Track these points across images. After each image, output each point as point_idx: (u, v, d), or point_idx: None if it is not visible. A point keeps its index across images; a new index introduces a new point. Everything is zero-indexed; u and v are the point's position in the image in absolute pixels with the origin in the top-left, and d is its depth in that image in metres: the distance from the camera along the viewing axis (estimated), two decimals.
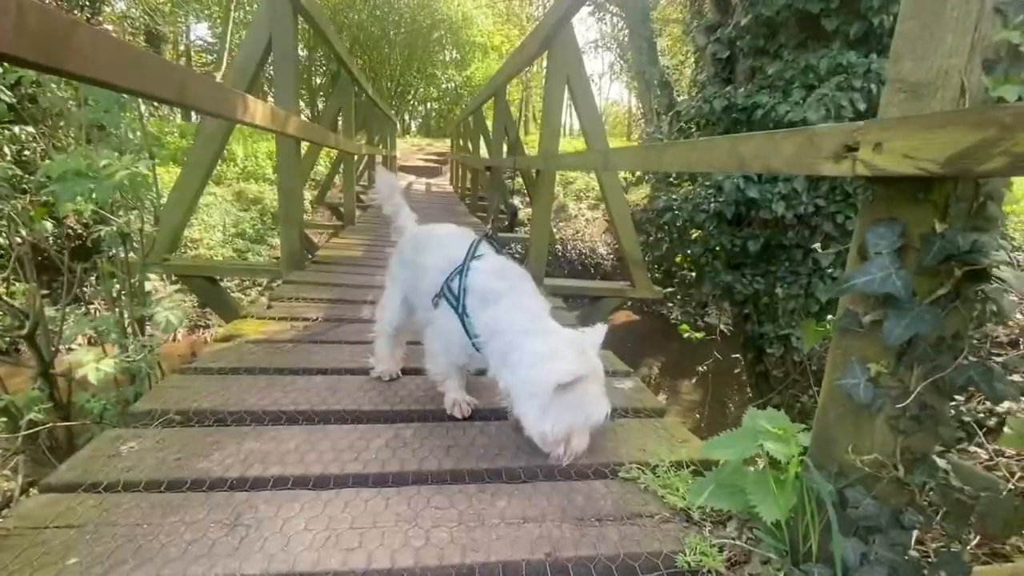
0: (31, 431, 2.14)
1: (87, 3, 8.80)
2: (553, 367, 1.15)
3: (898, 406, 0.82)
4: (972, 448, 2.30)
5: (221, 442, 1.32)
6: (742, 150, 1.05)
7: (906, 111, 0.79)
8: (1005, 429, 1.03)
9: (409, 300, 1.67)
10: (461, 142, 11.08)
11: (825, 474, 0.92)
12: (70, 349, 2.46)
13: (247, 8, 18.21)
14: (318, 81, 20.93)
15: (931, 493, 0.86)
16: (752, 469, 1.13)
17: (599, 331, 1.35)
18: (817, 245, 3.07)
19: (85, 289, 6.19)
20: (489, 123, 7.10)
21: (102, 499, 1.09)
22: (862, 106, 3.38)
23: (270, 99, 3.32)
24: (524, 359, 1.22)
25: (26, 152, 6.17)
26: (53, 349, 2.65)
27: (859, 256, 0.85)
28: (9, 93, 3.21)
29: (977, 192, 0.76)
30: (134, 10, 13.57)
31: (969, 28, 0.72)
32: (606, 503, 1.18)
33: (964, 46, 0.73)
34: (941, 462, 0.90)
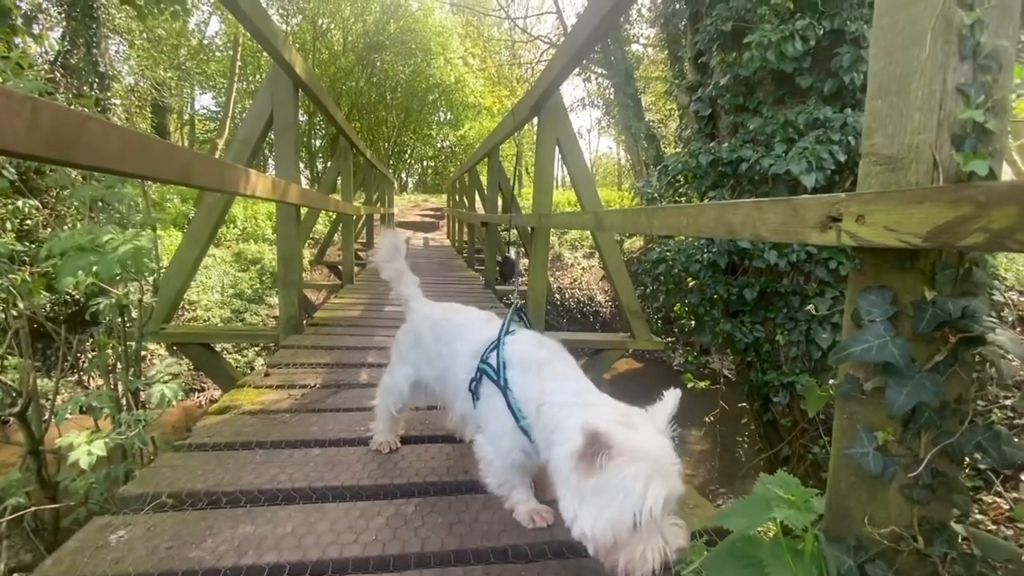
0: (14, 516, 2.05)
1: (96, 80, 9.25)
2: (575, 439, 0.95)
3: (910, 475, 0.81)
4: (990, 498, 2.22)
5: (215, 527, 1.27)
6: (730, 218, 1.08)
7: (884, 182, 0.82)
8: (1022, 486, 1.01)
9: (428, 387, 1.58)
10: (457, 198, 11.37)
11: (843, 547, 0.88)
12: (65, 418, 2.39)
13: (250, 79, 19.17)
14: (317, 144, 21.71)
15: (954, 565, 0.83)
16: (768, 539, 1.09)
17: (669, 402, 1.06)
18: (811, 306, 3.09)
19: (79, 355, 6.12)
20: (484, 178, 7.32)
21: None
22: (842, 157, 3.50)
23: (271, 163, 3.42)
24: (563, 435, 1.04)
25: (28, 222, 6.28)
26: (44, 424, 2.59)
27: (853, 322, 0.85)
28: (12, 170, 3.30)
29: (962, 259, 0.78)
30: (142, 84, 14.22)
31: (935, 107, 0.77)
32: None
33: (932, 123, 0.77)
34: (959, 529, 0.87)
